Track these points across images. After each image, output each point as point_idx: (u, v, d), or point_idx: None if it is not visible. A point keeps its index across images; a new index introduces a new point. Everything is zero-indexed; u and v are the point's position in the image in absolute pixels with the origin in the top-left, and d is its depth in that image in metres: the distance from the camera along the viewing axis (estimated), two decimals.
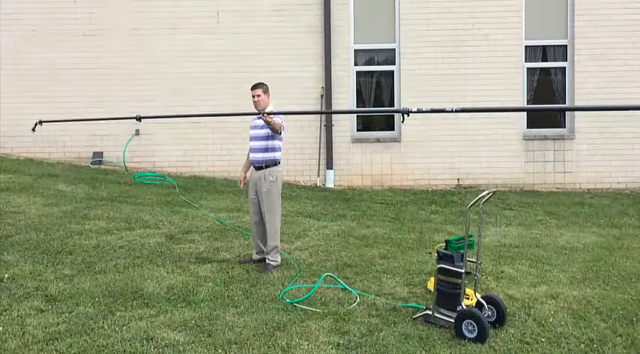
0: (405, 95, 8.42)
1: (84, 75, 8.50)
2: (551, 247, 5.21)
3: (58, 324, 3.20)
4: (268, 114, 4.05)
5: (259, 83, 4.45)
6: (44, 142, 8.53)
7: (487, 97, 8.33)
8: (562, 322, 3.38)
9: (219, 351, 2.94)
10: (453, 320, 3.19)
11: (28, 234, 4.91)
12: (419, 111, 3.12)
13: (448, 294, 3.27)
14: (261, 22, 8.44)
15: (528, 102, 8.53)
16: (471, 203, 3.05)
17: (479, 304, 3.30)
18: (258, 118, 4.36)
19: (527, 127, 8.57)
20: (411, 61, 8.43)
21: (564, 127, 8.64)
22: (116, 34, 8.51)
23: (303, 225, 5.73)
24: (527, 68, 8.53)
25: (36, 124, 4.60)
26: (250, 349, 2.95)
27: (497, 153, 8.44)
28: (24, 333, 3.08)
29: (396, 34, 8.51)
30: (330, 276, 4.00)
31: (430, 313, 3.32)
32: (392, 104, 8.54)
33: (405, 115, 3.10)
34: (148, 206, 6.20)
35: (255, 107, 4.40)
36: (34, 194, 6.33)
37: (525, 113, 8.55)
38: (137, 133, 8.41)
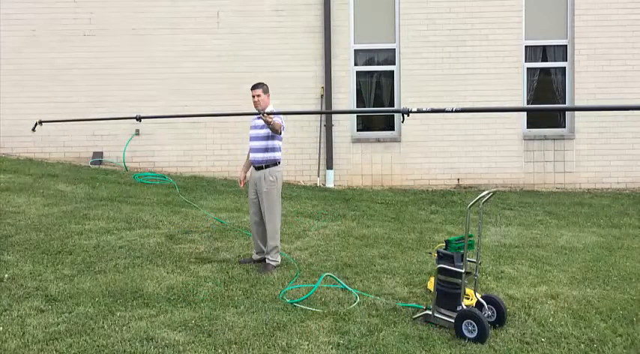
0: (405, 95, 8.41)
1: (84, 75, 8.49)
2: (551, 247, 5.19)
3: (58, 324, 3.20)
4: (268, 114, 4.05)
5: (259, 83, 4.44)
6: (44, 142, 8.52)
7: (487, 97, 8.32)
8: (562, 322, 3.37)
9: (219, 351, 2.93)
10: (453, 320, 3.18)
11: (28, 234, 4.91)
12: (419, 111, 3.11)
13: (448, 294, 3.25)
14: (261, 22, 8.44)
15: (528, 102, 8.52)
16: (471, 203, 3.02)
17: (479, 304, 3.28)
18: (258, 118, 4.35)
19: (527, 127, 8.56)
20: (411, 61, 8.42)
21: (564, 127, 8.63)
22: (116, 34, 8.51)
23: (303, 225, 5.71)
24: (528, 68, 8.52)
25: (36, 124, 4.60)
26: (250, 349, 2.95)
27: (497, 153, 8.42)
28: (24, 333, 3.08)
29: (396, 34, 8.50)
30: (330, 276, 3.99)
31: (430, 313, 3.30)
32: (392, 104, 8.52)
33: (405, 115, 3.08)
34: (148, 206, 6.20)
35: (255, 107, 4.39)
36: (34, 194, 6.33)
37: (525, 113, 8.54)
38: (137, 133, 8.40)
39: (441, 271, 3.23)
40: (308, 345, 3.02)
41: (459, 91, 8.32)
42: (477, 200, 3.07)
